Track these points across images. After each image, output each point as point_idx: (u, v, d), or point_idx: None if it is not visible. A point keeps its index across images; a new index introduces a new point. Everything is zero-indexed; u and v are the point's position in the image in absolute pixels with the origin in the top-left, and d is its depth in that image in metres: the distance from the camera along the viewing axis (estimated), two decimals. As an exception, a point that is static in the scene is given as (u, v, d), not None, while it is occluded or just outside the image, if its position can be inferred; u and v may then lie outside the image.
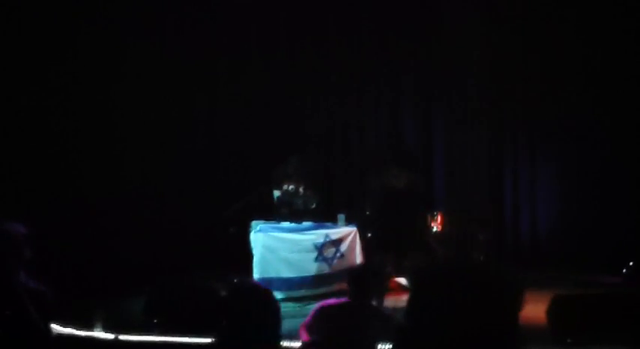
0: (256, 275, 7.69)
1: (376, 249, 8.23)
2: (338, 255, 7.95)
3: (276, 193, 8.46)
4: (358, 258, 7.99)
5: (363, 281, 4.30)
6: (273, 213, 8.41)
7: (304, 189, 8.49)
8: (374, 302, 5.18)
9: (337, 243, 7.97)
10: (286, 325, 6.69)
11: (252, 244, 7.84)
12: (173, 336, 5.80)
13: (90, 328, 6.02)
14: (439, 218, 8.65)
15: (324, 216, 8.50)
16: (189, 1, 9.69)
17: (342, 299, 4.22)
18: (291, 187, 8.43)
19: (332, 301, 4.14)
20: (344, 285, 7.82)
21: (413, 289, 1.90)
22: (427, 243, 8.30)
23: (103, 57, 8.57)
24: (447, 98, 10.12)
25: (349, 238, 8.03)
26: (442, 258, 8.12)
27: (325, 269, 7.88)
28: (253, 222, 8.09)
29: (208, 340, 4.24)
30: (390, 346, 3.88)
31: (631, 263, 8.28)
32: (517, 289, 1.87)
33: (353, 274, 4.54)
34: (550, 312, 5.56)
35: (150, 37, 9.32)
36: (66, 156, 8.00)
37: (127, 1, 8.93)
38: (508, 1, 9.92)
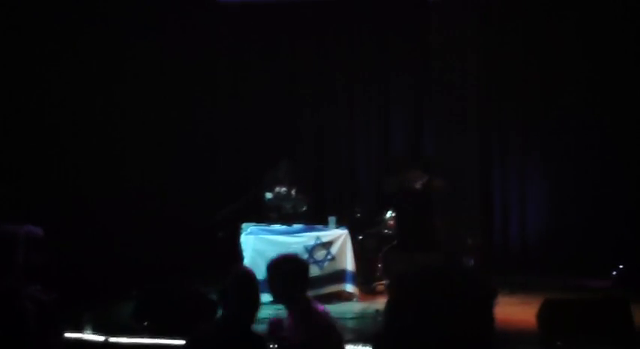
0: (246, 277, 7.66)
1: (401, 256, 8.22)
2: (329, 257, 7.95)
3: (268, 195, 8.46)
4: (349, 261, 7.99)
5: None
6: (263, 216, 8.41)
7: (295, 193, 8.50)
8: None
9: (328, 245, 7.97)
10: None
11: (243, 246, 7.83)
12: (162, 339, 5.78)
13: (79, 330, 5.99)
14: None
15: (314, 219, 8.51)
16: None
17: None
18: (283, 190, 8.44)
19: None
20: (335, 288, 7.93)
21: (390, 295, 1.92)
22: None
23: (103, 57, 8.55)
24: (437, 102, 10.14)
25: (340, 241, 8.03)
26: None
27: (316, 271, 7.87)
28: (244, 225, 8.09)
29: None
30: None
31: (620, 267, 8.32)
32: (489, 293, 1.89)
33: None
34: (540, 316, 5.58)
35: (150, 37, 9.32)
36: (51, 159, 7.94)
37: (127, 1, 8.92)
38: (498, 7, 9.96)
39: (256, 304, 3.73)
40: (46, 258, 3.62)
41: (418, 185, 8.64)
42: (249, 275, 3.66)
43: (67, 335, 5.90)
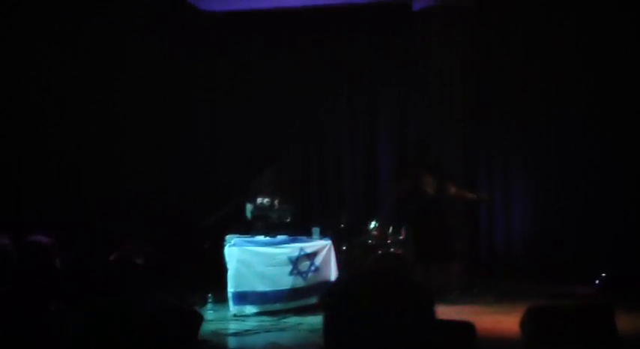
0: (231, 289, 7.64)
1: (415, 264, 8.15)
2: (313, 268, 7.92)
3: (249, 207, 8.42)
4: (333, 272, 7.97)
5: None
6: (247, 227, 8.37)
7: (279, 203, 8.46)
8: None
9: (312, 256, 7.94)
10: (261, 339, 6.70)
11: (227, 258, 7.79)
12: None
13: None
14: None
15: (298, 230, 8.48)
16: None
17: None
18: (265, 200, 8.40)
19: None
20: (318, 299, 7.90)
21: (325, 310, 1.91)
22: (398, 255, 8.28)
23: (103, 57, 8.51)
24: (423, 109, 10.17)
25: (324, 251, 8.01)
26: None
27: (300, 282, 7.85)
28: (228, 236, 8.04)
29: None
30: None
31: (603, 274, 8.34)
32: (428, 298, 1.89)
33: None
34: (524, 323, 5.57)
35: (149, 38, 9.32)
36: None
37: (128, 1, 8.91)
38: (483, 13, 10.02)
39: None
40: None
41: (430, 189, 8.54)
42: None
43: None
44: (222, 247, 7.90)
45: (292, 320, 7.40)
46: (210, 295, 8.18)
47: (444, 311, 6.92)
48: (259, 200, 8.41)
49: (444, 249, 7.31)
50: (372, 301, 1.80)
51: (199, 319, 6.30)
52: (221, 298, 7.96)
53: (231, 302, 7.65)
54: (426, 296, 1.87)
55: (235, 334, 6.94)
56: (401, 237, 8.59)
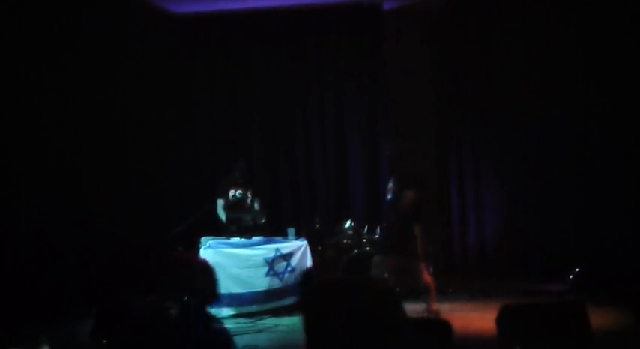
0: (207, 291, 7.61)
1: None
2: (289, 269, 7.94)
3: (220, 202, 8.38)
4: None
5: None
6: (219, 229, 8.34)
7: (252, 195, 8.46)
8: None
9: (288, 257, 7.96)
10: (238, 341, 6.70)
11: (202, 260, 7.77)
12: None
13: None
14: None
15: (273, 231, 8.49)
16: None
17: None
18: (238, 192, 8.39)
19: None
20: (295, 300, 7.91)
21: (303, 310, 1.94)
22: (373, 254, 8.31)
23: (103, 56, 8.45)
24: (392, 110, 10.22)
25: (300, 252, 8.03)
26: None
27: (276, 283, 7.87)
28: (202, 238, 8.02)
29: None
30: None
31: (576, 270, 8.45)
32: (396, 299, 1.94)
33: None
34: (499, 321, 5.64)
35: (148, 38, 9.30)
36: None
37: (128, 2, 8.83)
38: (450, 15, 10.10)
39: None
40: None
41: (389, 193, 8.54)
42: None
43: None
44: (196, 250, 7.89)
45: (269, 321, 7.42)
46: (185, 297, 8.12)
47: (419, 310, 7.02)
48: (231, 193, 8.40)
49: (406, 247, 7.34)
50: (346, 302, 1.84)
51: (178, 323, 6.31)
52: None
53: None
54: (394, 296, 1.92)
55: (212, 336, 6.92)
56: (376, 237, 8.65)
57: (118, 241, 8.62)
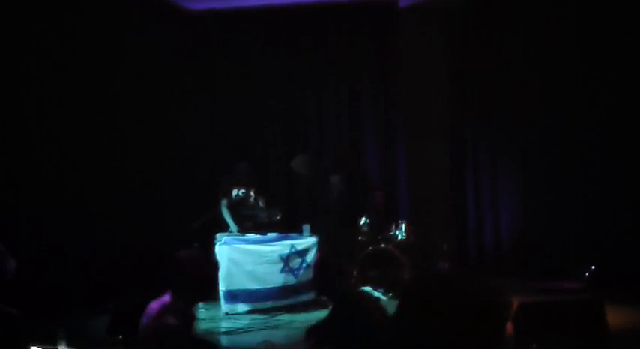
0: (222, 287, 7.65)
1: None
2: (304, 265, 7.94)
3: (224, 202, 8.39)
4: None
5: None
6: (223, 228, 8.34)
7: (255, 193, 8.47)
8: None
9: (303, 253, 7.97)
10: (255, 337, 6.71)
11: (218, 257, 7.80)
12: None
13: (54, 346, 5.91)
14: (404, 227, 8.69)
15: (288, 228, 8.50)
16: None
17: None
18: (241, 192, 8.40)
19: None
20: (310, 296, 7.93)
21: (400, 301, 1.91)
22: (389, 252, 8.30)
23: (103, 56, 8.47)
24: (408, 107, 10.20)
25: (314, 249, 8.03)
26: (407, 266, 8.15)
27: (291, 280, 7.87)
28: (218, 235, 8.05)
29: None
30: None
31: (592, 267, 8.41)
32: (505, 303, 1.89)
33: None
34: (515, 319, 5.62)
35: (148, 38, 9.29)
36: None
37: (128, 2, 8.86)
38: (467, 12, 10.06)
39: None
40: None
41: (335, 191, 8.45)
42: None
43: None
44: (212, 246, 7.92)
45: (284, 317, 7.42)
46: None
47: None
48: (234, 192, 8.41)
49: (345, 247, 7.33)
50: (449, 301, 1.80)
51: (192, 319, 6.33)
52: (212, 297, 7.97)
53: (222, 301, 7.66)
54: (502, 304, 1.87)
55: (227, 332, 6.96)
56: (390, 233, 8.64)
57: (130, 238, 8.66)
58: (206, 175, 9.93)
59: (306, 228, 8.28)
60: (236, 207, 8.38)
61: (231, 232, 8.24)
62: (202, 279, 3.76)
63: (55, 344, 5.80)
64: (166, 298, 3.71)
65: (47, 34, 7.75)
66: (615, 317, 5.86)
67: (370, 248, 8.41)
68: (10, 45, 7.28)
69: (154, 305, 3.69)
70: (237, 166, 8.57)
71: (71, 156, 8.01)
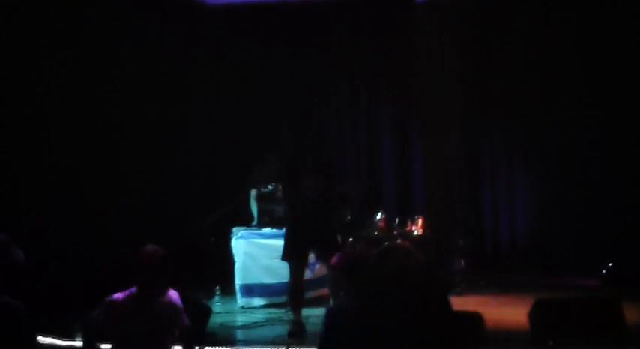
0: (238, 281, 7.68)
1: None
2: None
3: (253, 193, 8.37)
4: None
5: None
6: (252, 220, 8.34)
7: (282, 188, 8.43)
8: None
9: (318, 248, 7.94)
10: (269, 331, 6.73)
11: (234, 251, 7.82)
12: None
13: (72, 337, 5.97)
14: (420, 222, 8.68)
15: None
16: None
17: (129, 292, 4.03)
18: (269, 187, 8.39)
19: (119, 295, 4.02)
20: (325, 291, 7.92)
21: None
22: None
23: (103, 56, 8.49)
24: (423, 104, 10.17)
25: (330, 244, 8.01)
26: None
27: (307, 274, 7.86)
28: (234, 229, 8.06)
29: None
30: None
31: (610, 265, 8.38)
32: (442, 278, 2.01)
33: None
34: (532, 316, 5.61)
35: (148, 38, 9.28)
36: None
37: (128, 2, 8.90)
38: (484, 9, 10.02)
39: None
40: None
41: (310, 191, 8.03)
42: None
43: (59, 342, 5.89)
44: (228, 240, 7.94)
45: (300, 312, 7.41)
46: (217, 288, 8.21)
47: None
48: (262, 188, 8.39)
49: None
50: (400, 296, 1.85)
51: (208, 312, 6.37)
52: (229, 291, 8.01)
53: (238, 295, 7.69)
54: (441, 284, 1.93)
55: (243, 326, 6.97)
56: (407, 229, 8.63)
57: (134, 237, 8.63)
58: (210, 174, 9.88)
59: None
60: (263, 200, 8.35)
61: (253, 226, 8.21)
62: (154, 275, 3.94)
63: (75, 334, 5.86)
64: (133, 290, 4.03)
65: (47, 34, 7.77)
66: (632, 314, 5.83)
67: (386, 243, 8.38)
68: (10, 45, 7.31)
69: (117, 295, 4.03)
70: (268, 158, 8.46)
71: (71, 156, 8.00)
